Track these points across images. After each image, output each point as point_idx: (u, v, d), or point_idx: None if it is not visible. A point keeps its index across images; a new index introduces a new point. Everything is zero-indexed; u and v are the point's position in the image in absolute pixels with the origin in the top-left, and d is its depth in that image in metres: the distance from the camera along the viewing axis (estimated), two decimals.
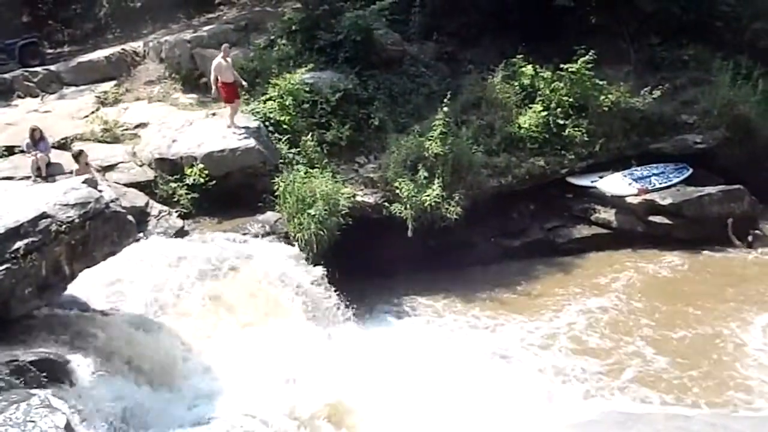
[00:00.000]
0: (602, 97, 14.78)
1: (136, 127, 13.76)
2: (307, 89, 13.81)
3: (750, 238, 14.16)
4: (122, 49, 16.32)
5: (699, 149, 15.06)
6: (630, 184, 14.33)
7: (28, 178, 12.03)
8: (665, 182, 14.53)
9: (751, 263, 13.56)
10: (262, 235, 11.89)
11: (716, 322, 11.56)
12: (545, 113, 14.50)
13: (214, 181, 12.35)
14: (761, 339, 11.09)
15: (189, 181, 12.36)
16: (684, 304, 12.21)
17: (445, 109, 13.49)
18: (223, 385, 8.92)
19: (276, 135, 13.26)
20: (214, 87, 13.12)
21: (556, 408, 9.49)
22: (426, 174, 12.99)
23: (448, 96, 13.81)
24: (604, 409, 9.21)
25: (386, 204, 13.00)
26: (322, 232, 11.84)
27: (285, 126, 13.39)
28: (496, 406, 9.29)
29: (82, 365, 7.25)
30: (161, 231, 11.58)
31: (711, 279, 13.04)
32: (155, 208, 12.08)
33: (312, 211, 11.82)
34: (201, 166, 12.38)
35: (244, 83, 13.41)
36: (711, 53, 16.28)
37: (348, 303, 11.38)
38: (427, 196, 12.76)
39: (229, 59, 13.06)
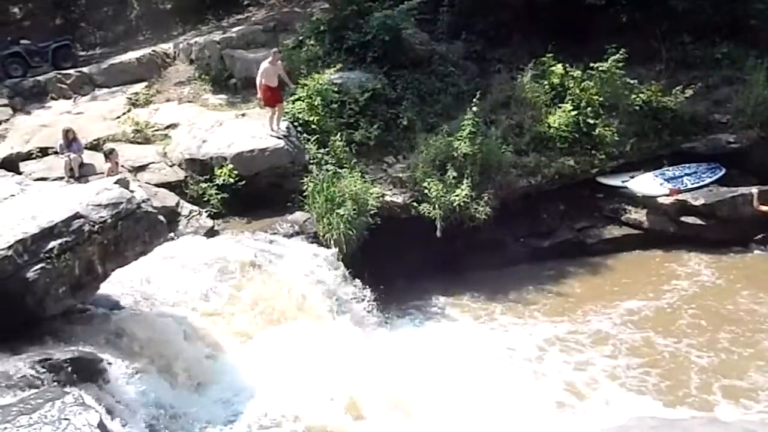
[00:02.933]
0: (633, 96, 14.56)
1: (167, 127, 13.91)
2: (336, 89, 13.82)
3: None
4: (153, 50, 16.51)
5: (732, 149, 14.74)
6: (661, 184, 14.11)
7: (61, 178, 12.28)
8: (698, 182, 14.28)
9: None
10: (291, 235, 11.94)
11: (756, 326, 11.33)
12: (575, 112, 14.34)
13: (243, 181, 12.43)
14: None
15: (219, 181, 12.45)
16: (720, 306, 11.98)
17: (474, 108, 13.40)
18: (253, 384, 8.99)
19: (305, 135, 13.29)
20: (259, 92, 13.14)
21: (586, 412, 9.39)
22: (455, 174, 12.93)
23: (477, 95, 13.72)
24: (637, 414, 9.08)
25: (415, 204, 12.95)
26: (351, 232, 11.87)
27: (314, 126, 13.41)
28: (524, 409, 9.23)
29: (114, 364, 7.35)
30: (192, 231, 11.71)
31: (747, 281, 12.73)
32: (186, 208, 12.22)
33: (341, 211, 11.85)
34: (231, 166, 12.46)
35: (291, 85, 13.50)
36: (745, 51, 15.95)
37: (377, 303, 11.42)
38: (456, 196, 12.71)
39: (278, 63, 13.12)
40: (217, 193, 12.41)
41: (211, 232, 11.82)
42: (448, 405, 8.94)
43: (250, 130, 13.11)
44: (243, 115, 13.70)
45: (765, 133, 14.95)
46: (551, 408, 9.39)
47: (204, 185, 12.52)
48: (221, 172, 12.44)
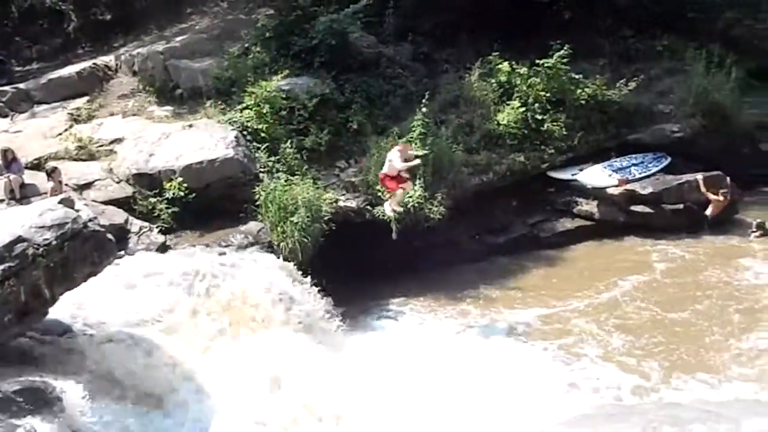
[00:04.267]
0: (579, 91, 14.81)
1: (112, 142, 13.53)
2: (284, 96, 13.68)
3: (733, 228, 14.21)
4: (93, 63, 16.06)
5: (676, 138, 15.15)
6: (610, 175, 14.38)
7: (1, 201, 11.83)
8: (645, 172, 14.60)
9: (741, 247, 13.64)
10: (246, 246, 11.81)
11: (708, 309, 11.63)
12: (523, 109, 14.50)
13: (194, 194, 12.19)
14: (757, 323, 11.14)
15: (168, 195, 12.19)
16: (676, 290, 12.28)
17: (424, 109, 13.44)
18: (214, 400, 8.87)
19: (254, 144, 13.13)
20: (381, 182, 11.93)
21: (548, 404, 9.43)
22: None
23: (426, 96, 13.74)
24: (596, 403, 9.23)
25: (369, 207, 12.93)
26: (306, 240, 11.78)
27: (263, 134, 13.26)
28: (486, 404, 9.25)
29: (69, 390, 7.13)
30: (143, 247, 11.42)
31: (698, 264, 13.10)
32: (135, 224, 11.92)
33: (294, 219, 11.75)
34: (180, 179, 12.23)
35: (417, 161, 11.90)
36: (684, 43, 16.41)
37: (337, 309, 11.35)
38: (410, 197, 12.69)
39: (411, 151, 11.98)
40: (167, 208, 12.14)
41: (163, 248, 11.57)
42: (410, 407, 8.91)
43: (198, 142, 12.86)
44: (190, 126, 13.42)
45: (707, 122, 15.38)
46: (510, 401, 9.41)
47: (153, 200, 12.24)
48: (171, 186, 12.20)
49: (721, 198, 13.87)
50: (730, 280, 12.48)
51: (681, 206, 14.10)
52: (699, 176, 14.16)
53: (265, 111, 13.37)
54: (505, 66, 14.89)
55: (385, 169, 11.58)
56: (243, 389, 8.98)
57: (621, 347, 10.81)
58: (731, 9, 17.41)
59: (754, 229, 13.96)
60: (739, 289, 12.18)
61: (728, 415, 4.80)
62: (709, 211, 13.95)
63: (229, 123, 13.26)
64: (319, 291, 11.19)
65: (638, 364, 10.34)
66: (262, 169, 12.78)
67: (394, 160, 11.36)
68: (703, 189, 14.00)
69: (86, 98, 15.20)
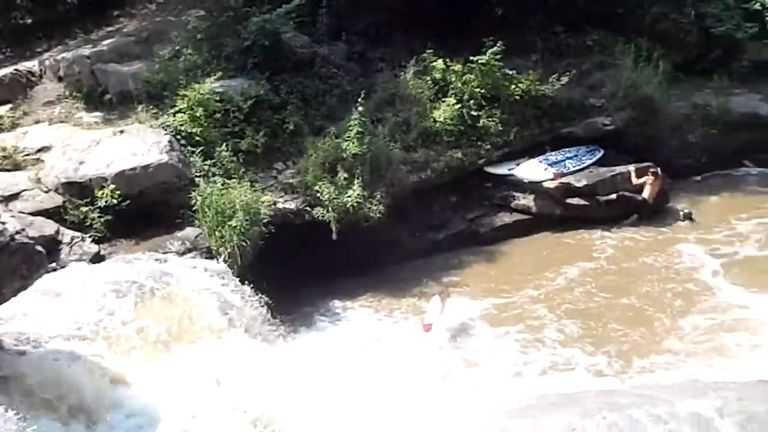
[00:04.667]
0: (513, 87, 14.98)
1: (38, 151, 13.02)
2: (218, 98, 13.44)
3: (665, 217, 14.66)
4: (15, 69, 15.42)
5: (608, 131, 15.50)
6: (546, 169, 14.62)
7: None
8: (579, 165, 14.90)
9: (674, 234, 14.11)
10: (183, 253, 11.56)
11: (652, 292, 12.07)
12: (459, 106, 14.60)
13: (128, 201, 11.86)
14: (695, 304, 11.61)
15: (101, 203, 11.82)
16: (617, 278, 12.62)
17: (360, 108, 13.41)
18: (154, 412, 8.65)
19: (189, 148, 12.86)
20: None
21: (488, 396, 9.51)
22: (345, 175, 12.91)
23: (362, 95, 13.72)
24: (537, 393, 9.36)
25: (308, 209, 12.83)
26: (245, 244, 11.61)
27: (197, 138, 13.01)
28: (428, 400, 9.28)
29: None
30: (75, 258, 11.06)
31: (636, 252, 13.50)
32: (67, 235, 11.51)
33: (233, 223, 11.56)
34: (112, 186, 11.88)
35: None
36: (614, 38, 16.80)
37: (279, 312, 11.24)
38: (348, 197, 12.68)
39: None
40: (99, 216, 11.78)
41: (96, 258, 11.22)
42: (351, 409, 8.89)
43: (130, 147, 12.51)
44: (121, 131, 13.04)
45: (636, 114, 15.79)
46: (453, 395, 9.49)
47: (85, 209, 11.84)
48: (102, 194, 11.84)
49: (652, 177, 14.31)
50: (669, 264, 12.93)
51: (614, 196, 14.43)
52: (631, 167, 14.57)
53: (198, 114, 13.11)
54: (439, 63, 14.97)
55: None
56: (184, 399, 8.80)
57: (575, 333, 11.08)
58: (657, 4, 17.90)
59: (681, 219, 14.39)
60: (677, 272, 12.65)
61: (664, 397, 4.92)
62: (646, 194, 14.35)
63: (162, 127, 12.94)
64: (260, 295, 11.06)
65: (591, 349, 10.61)
66: (197, 174, 12.51)
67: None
68: (634, 179, 14.41)
69: (9, 106, 14.58)
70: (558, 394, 5.81)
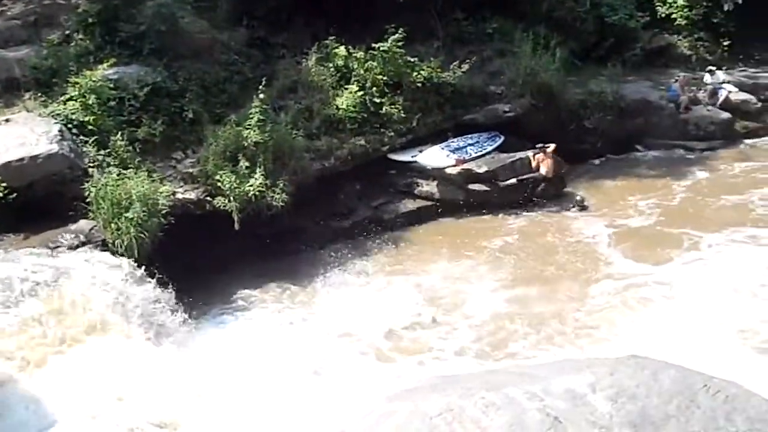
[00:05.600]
0: (415, 74, 15.11)
1: None
2: (112, 86, 13.00)
3: (564, 200, 15.19)
4: None
5: (508, 117, 15.89)
6: (448, 155, 14.86)
7: None
8: (481, 151, 15.21)
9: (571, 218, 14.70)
10: (77, 246, 11.16)
11: (558, 271, 12.64)
12: (361, 93, 14.63)
13: (15, 194, 11.29)
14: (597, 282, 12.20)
15: None
16: (519, 262, 12.97)
17: (261, 96, 13.21)
18: (48, 414, 8.37)
19: (81, 137, 12.39)
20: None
21: (378, 381, 9.53)
22: (247, 164, 12.70)
23: (263, 82, 13.53)
24: (423, 376, 9.45)
25: (209, 198, 12.59)
26: (143, 236, 11.29)
27: (90, 126, 12.53)
28: (324, 392, 9.29)
29: None
30: None
31: (537, 236, 13.98)
32: None
33: (129, 215, 11.22)
34: None
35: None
36: (513, 25, 17.16)
37: (181, 306, 11.00)
38: (250, 186, 12.49)
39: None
40: None
41: None
42: (256, 405, 8.83)
43: (17, 137, 11.91)
44: (7, 120, 12.41)
45: (535, 101, 16.22)
46: (344, 383, 9.57)
47: None
48: None
49: (542, 154, 14.85)
50: (569, 245, 13.51)
51: (515, 181, 14.79)
52: (529, 153, 15.00)
53: (91, 102, 12.62)
54: (341, 50, 14.94)
55: None
56: (82, 403, 8.52)
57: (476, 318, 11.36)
58: None
59: (574, 205, 14.97)
60: (575, 252, 13.26)
61: (541, 375, 5.09)
62: (544, 170, 14.84)
63: (52, 116, 12.40)
64: (161, 288, 10.81)
65: (467, 337, 10.96)
66: (91, 164, 12.06)
67: None
68: (534, 163, 14.84)
69: None
70: (442, 376, 5.91)
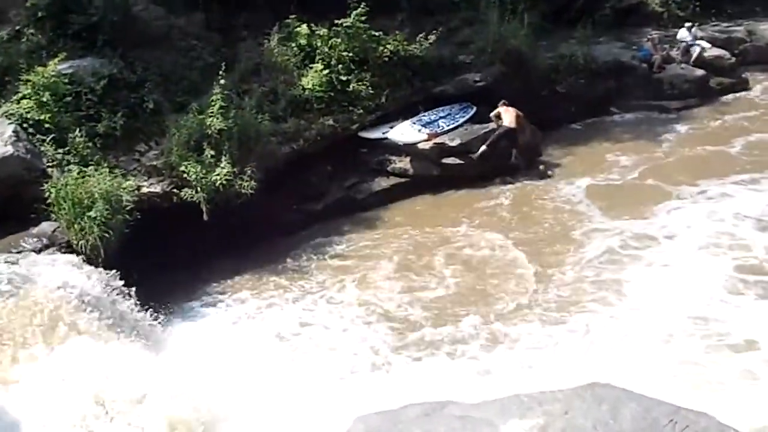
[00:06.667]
0: (381, 48, 14.78)
1: None
2: (67, 81, 12.56)
3: (540, 168, 14.95)
4: None
5: (479, 87, 15.58)
6: (419, 130, 14.55)
7: None
8: (453, 123, 14.93)
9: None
10: (40, 249, 10.79)
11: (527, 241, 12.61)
12: (327, 71, 14.28)
13: None
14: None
15: None
16: (481, 235, 12.84)
17: (222, 81, 12.86)
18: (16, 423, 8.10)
19: (38, 136, 11.97)
20: None
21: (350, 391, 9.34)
22: (212, 152, 12.32)
23: (224, 67, 13.15)
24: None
25: (176, 191, 12.24)
26: (107, 234, 10.95)
27: (47, 125, 12.10)
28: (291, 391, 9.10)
29: None
30: None
31: (517, 207, 13.88)
32: None
33: (92, 214, 10.87)
34: None
35: None
36: None
37: (151, 303, 10.71)
38: (217, 175, 12.14)
39: None
40: None
41: None
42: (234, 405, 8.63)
43: None
44: None
45: (506, 68, 15.92)
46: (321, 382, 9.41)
47: None
48: None
49: (503, 106, 14.67)
50: (553, 213, 13.49)
51: (485, 148, 14.40)
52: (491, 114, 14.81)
53: (46, 99, 12.17)
54: (304, 29, 14.57)
55: None
56: (59, 412, 8.26)
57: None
58: None
59: (543, 176, 14.84)
60: (562, 222, 13.19)
61: (485, 418, 4.65)
62: (506, 121, 14.59)
63: (5, 116, 11.95)
64: (129, 286, 10.51)
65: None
66: (50, 164, 11.69)
67: None
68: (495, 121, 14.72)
69: None
70: (377, 413, 5.39)
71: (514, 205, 13.87)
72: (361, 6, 14.46)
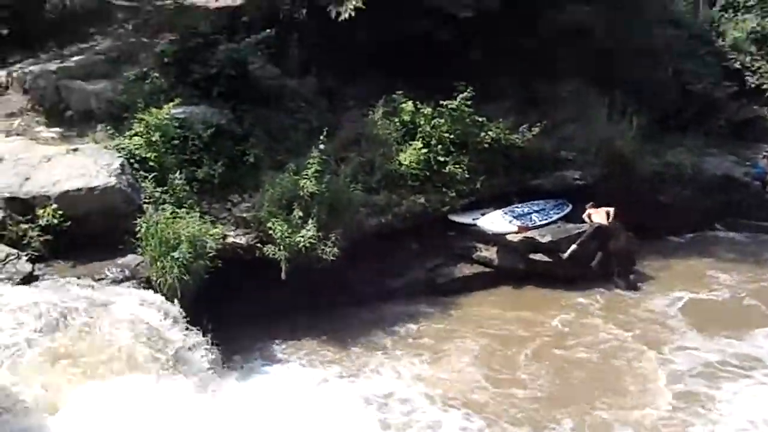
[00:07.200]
0: (482, 134, 14.75)
1: None
2: (177, 124, 13.11)
3: (632, 277, 14.32)
4: None
5: (578, 185, 15.28)
6: (510, 221, 14.28)
7: None
8: (545, 219, 14.60)
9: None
10: (121, 281, 11.02)
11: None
12: (426, 150, 14.34)
13: (70, 222, 11.39)
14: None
15: (42, 221, 11.35)
16: (568, 347, 12.16)
17: (321, 146, 13.08)
18: None
19: (141, 173, 12.47)
20: None
21: None
22: (301, 214, 12.44)
23: (325, 132, 13.39)
24: None
25: (259, 245, 12.39)
26: (185, 277, 11.13)
27: (152, 163, 12.62)
28: None
29: None
30: (5, 277, 10.56)
31: (598, 318, 13.13)
32: (2, 251, 11.05)
33: (175, 254, 11.11)
34: (55, 205, 11.43)
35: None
36: (588, 89, 16.62)
37: (218, 352, 10.72)
38: (302, 237, 12.21)
39: None
40: (39, 235, 11.25)
41: (29, 278, 10.72)
42: None
43: (80, 167, 12.03)
44: (75, 150, 12.60)
45: (608, 170, 15.55)
46: None
47: (25, 226, 11.34)
48: (44, 212, 11.38)
49: (593, 207, 14.31)
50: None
51: (575, 247, 13.94)
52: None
53: (155, 139, 12.74)
54: (409, 105, 14.74)
55: None
56: None
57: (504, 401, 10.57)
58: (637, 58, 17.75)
59: (626, 287, 14.14)
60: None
61: None
62: (597, 219, 14.24)
63: (117, 149, 12.58)
64: (199, 331, 10.58)
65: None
66: (147, 200, 12.11)
67: None
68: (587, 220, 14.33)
69: None
70: None
71: (603, 310, 13.26)
72: (468, 90, 14.51)
